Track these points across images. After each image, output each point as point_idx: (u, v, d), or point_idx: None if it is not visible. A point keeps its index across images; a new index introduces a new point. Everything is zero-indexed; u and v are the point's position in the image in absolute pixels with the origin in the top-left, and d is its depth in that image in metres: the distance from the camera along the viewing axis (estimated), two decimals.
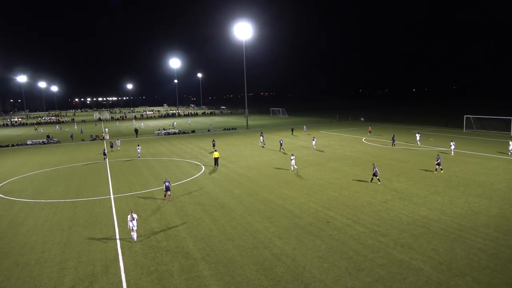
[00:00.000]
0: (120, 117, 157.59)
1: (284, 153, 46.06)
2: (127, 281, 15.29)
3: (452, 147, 41.74)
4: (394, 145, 48.81)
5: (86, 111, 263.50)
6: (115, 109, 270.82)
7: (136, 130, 78.29)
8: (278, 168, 36.78)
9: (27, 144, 66.95)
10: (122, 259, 17.35)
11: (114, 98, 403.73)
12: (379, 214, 22.32)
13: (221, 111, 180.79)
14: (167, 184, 26.62)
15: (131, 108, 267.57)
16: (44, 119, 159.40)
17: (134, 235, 19.39)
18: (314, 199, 25.77)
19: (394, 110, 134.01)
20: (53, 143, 67.66)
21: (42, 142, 67.96)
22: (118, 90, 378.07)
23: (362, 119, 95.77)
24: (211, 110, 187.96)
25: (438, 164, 32.41)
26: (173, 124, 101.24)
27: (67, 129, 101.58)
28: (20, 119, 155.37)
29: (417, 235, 18.95)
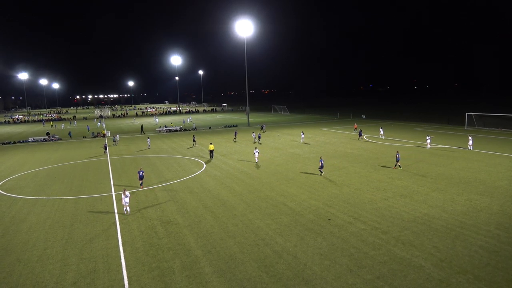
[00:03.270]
0: (122, 114, 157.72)
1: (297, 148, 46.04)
2: (128, 278, 15.35)
3: (428, 141, 44.74)
4: (361, 139, 53.58)
5: (88, 108, 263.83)
6: (117, 106, 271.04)
7: (141, 127, 79.99)
8: (279, 165, 36.79)
9: (29, 142, 67.10)
10: (124, 256, 17.41)
11: (115, 95, 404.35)
12: (380, 211, 22.32)
13: (222, 108, 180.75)
14: (141, 173, 29.86)
15: (132, 106, 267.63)
16: (45, 116, 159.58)
17: (128, 209, 23.43)
18: (315, 196, 25.79)
19: (396, 107, 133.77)
20: (55, 140, 67.80)
21: (44, 139, 68.10)
22: (119, 87, 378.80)
23: (363, 116, 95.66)
24: (212, 107, 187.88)
25: (397, 160, 33.46)
26: (189, 120, 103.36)
27: (87, 124, 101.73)
28: (21, 116, 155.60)
29: (418, 232, 18.95)
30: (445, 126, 69.32)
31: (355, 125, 66.75)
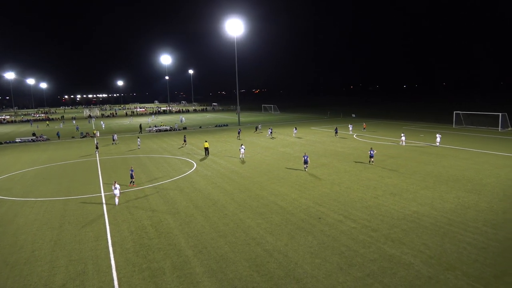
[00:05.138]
0: (111, 114, 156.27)
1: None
2: (118, 279, 15.22)
3: (403, 138, 46.77)
4: (337, 135, 57.10)
5: (76, 108, 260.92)
6: (106, 106, 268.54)
7: (140, 126, 79.84)
8: (270, 165, 36.83)
9: (16, 142, 66.07)
10: (114, 257, 17.25)
11: (104, 95, 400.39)
12: (370, 209, 22.48)
13: (213, 108, 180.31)
14: (131, 172, 30.53)
15: (122, 105, 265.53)
16: (33, 116, 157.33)
17: (117, 200, 25.06)
18: (306, 195, 25.87)
19: (385, 106, 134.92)
20: (43, 140, 66.88)
21: (31, 140, 67.13)
22: (108, 87, 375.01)
23: (353, 115, 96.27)
24: (202, 107, 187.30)
25: (371, 156, 35.18)
26: (183, 119, 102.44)
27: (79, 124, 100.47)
28: (8, 117, 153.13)
29: (407, 230, 19.13)
30: (433, 124, 70.09)
31: (364, 125, 67.07)
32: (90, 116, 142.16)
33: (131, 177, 30.34)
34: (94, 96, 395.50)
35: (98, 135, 70.72)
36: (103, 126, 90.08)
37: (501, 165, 33.06)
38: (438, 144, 44.55)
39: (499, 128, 58.53)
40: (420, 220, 20.45)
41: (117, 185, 25.19)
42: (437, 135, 45.60)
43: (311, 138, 56.03)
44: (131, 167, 31.69)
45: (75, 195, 28.22)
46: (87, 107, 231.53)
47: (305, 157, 33.53)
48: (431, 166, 33.53)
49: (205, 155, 43.34)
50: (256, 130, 68.46)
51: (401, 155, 39.59)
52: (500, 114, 59.47)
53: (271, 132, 60.21)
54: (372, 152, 35.46)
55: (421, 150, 42.00)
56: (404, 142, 46.58)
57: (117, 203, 25.11)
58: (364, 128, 64.38)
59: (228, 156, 42.64)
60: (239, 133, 61.62)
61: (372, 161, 35.38)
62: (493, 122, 61.23)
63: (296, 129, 62.35)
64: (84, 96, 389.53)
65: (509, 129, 58.63)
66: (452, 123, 66.55)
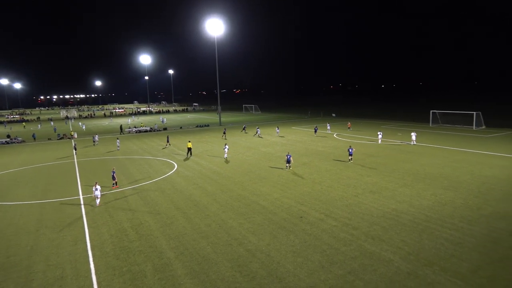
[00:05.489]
0: (89, 114, 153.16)
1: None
2: (98, 283, 14.93)
3: (380, 136, 48.83)
4: (316, 134, 58.90)
5: (53, 109, 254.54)
6: (84, 106, 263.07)
7: (120, 126, 78.85)
8: (252, 164, 36.85)
9: None
10: (93, 261, 16.92)
11: (82, 96, 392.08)
12: (350, 207, 22.79)
13: (193, 108, 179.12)
14: (113, 173, 30.34)
15: (100, 106, 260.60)
16: (7, 117, 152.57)
17: (98, 201, 25.07)
18: (287, 195, 26.00)
19: (364, 106, 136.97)
20: (18, 142, 64.95)
21: (6, 142, 65.07)
22: (86, 87, 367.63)
23: (333, 115, 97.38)
24: (183, 107, 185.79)
25: (350, 154, 36.06)
26: (163, 120, 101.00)
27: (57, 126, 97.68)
28: None
29: (387, 227, 19.49)
30: (410, 123, 71.59)
31: (349, 124, 67.92)
32: (67, 117, 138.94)
33: (113, 178, 30.04)
34: (71, 96, 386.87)
35: (76, 136, 69.20)
36: (84, 128, 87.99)
37: (476, 163, 34.08)
38: (413, 142, 45.65)
39: (474, 127, 60.28)
40: (399, 217, 20.86)
41: (98, 186, 25.19)
42: (412, 134, 46.84)
43: (292, 138, 56.37)
44: (113, 169, 31.35)
45: (52, 198, 27.52)
46: (64, 108, 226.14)
47: (288, 156, 33.96)
48: (409, 164, 34.25)
49: (189, 155, 43.17)
50: (243, 130, 68.26)
51: (379, 153, 40.28)
52: (475, 113, 61.25)
53: (258, 132, 60.99)
54: (351, 150, 36.20)
55: (399, 149, 42.84)
56: (380, 140, 47.96)
57: (97, 204, 25.07)
58: (349, 128, 65.13)
59: (210, 156, 42.43)
60: (224, 132, 61.55)
61: (351, 159, 36.06)
62: (468, 121, 63.02)
63: (278, 128, 64.04)
64: (61, 96, 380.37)
65: (483, 127, 60.45)
66: (429, 122, 68.18)
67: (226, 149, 41.53)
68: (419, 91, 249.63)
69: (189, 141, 45.64)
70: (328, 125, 65.25)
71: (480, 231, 18.49)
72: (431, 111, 70.13)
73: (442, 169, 31.93)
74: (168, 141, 53.41)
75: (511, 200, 23.16)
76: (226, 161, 39.42)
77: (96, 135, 61.12)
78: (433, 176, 29.68)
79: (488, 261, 15.44)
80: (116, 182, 30.19)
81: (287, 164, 33.90)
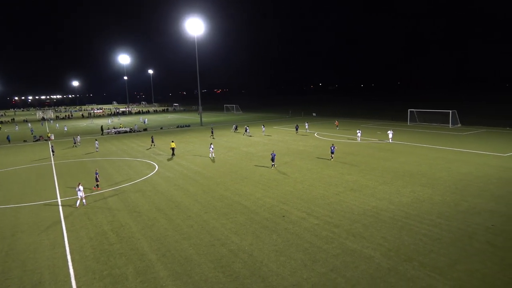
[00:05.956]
0: (66, 115, 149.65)
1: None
2: (77, 287, 14.61)
3: (359, 134, 49.98)
4: (297, 132, 60.62)
5: (28, 110, 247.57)
6: (61, 107, 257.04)
7: (101, 127, 77.85)
8: (234, 165, 36.78)
9: None
10: (72, 265, 16.54)
11: (58, 96, 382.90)
12: (332, 206, 23.03)
13: (174, 108, 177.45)
14: (96, 175, 29.95)
15: (78, 107, 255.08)
16: None
17: (78, 202, 25.13)
18: (269, 194, 26.07)
19: (345, 105, 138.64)
20: None
21: None
22: (63, 87, 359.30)
23: (314, 114, 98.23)
24: (164, 107, 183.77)
25: (332, 152, 37.02)
26: (144, 121, 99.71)
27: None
28: None
29: (367, 224, 19.78)
30: (389, 122, 72.90)
31: (337, 122, 68.71)
32: (43, 119, 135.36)
33: (96, 179, 29.62)
34: (48, 97, 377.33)
35: (53, 138, 67.50)
36: (65, 129, 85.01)
37: (452, 160, 34.99)
38: (390, 140, 46.95)
39: (450, 125, 61.90)
40: (379, 214, 21.21)
41: (80, 187, 25.20)
42: (389, 132, 48.33)
43: (273, 137, 56.55)
44: (96, 170, 31.17)
45: (28, 202, 26.76)
46: (40, 109, 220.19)
47: (273, 155, 34.57)
48: (388, 162, 34.87)
49: (172, 155, 43.35)
50: (235, 129, 68.14)
51: (359, 152, 40.86)
52: (450, 111, 62.91)
53: (247, 131, 61.82)
54: (333, 148, 36.93)
55: (379, 147, 43.57)
56: (359, 139, 49.08)
57: (78, 204, 25.08)
58: (337, 126, 65.58)
59: (192, 157, 42.13)
60: (212, 132, 62.18)
61: (332, 157, 36.83)
62: (444, 119, 64.66)
63: (264, 127, 65.67)
64: (37, 97, 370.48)
65: (459, 125, 62.14)
66: (407, 121, 69.61)
67: (211, 149, 41.63)
68: (396, 91, 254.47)
69: (172, 141, 45.95)
70: (306, 124, 65.85)
71: (457, 226, 18.99)
72: (409, 110, 71.63)
73: (420, 167, 32.64)
74: (152, 142, 52.98)
75: (487, 196, 23.89)
76: (213, 160, 39.68)
77: (78, 136, 60.03)
78: (412, 174, 30.31)
79: (465, 255, 15.88)
80: (98, 184, 29.67)
81: (273, 163, 34.30)
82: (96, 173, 30.05)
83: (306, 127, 64.53)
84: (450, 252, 16.19)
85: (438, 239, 17.55)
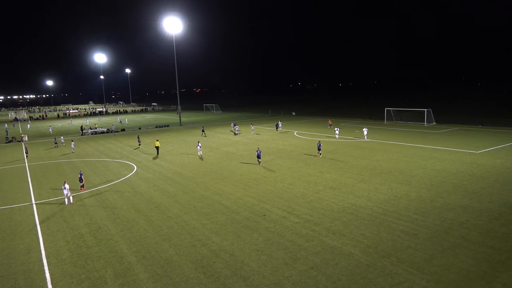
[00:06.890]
0: (40, 116, 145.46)
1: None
2: None
3: (337, 132, 51.30)
4: (278, 130, 62.07)
5: (0, 110, 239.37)
6: (35, 107, 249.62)
7: (81, 127, 76.80)
8: (214, 164, 36.62)
9: None
10: (48, 269, 16.11)
11: (32, 96, 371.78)
12: (312, 204, 23.25)
13: (152, 108, 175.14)
14: (80, 175, 29.25)
15: (52, 107, 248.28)
16: None
17: (66, 200, 25.25)
18: (250, 194, 26.09)
19: (324, 104, 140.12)
20: None
21: None
22: (37, 87, 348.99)
23: (293, 113, 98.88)
24: (142, 107, 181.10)
25: (319, 149, 38.09)
26: (121, 121, 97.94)
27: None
28: None
29: (347, 222, 20.07)
30: (367, 121, 74.12)
31: (330, 121, 68.66)
32: (16, 119, 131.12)
33: (80, 180, 28.83)
34: (20, 97, 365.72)
35: (26, 139, 65.51)
36: (50, 130, 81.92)
37: (427, 157, 35.89)
38: (366, 137, 48.46)
39: (425, 123, 63.49)
40: (358, 211, 21.55)
41: (66, 185, 25.20)
42: (364, 129, 49.82)
43: (254, 137, 56.60)
44: (80, 171, 30.74)
45: (1, 205, 25.87)
46: (12, 109, 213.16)
47: (258, 152, 35.48)
48: (366, 160, 35.47)
49: (157, 154, 43.65)
50: (234, 127, 67.61)
51: (338, 150, 41.39)
52: (426, 110, 64.53)
53: (237, 129, 62.14)
54: (319, 145, 38.16)
55: (356, 145, 44.25)
56: (338, 136, 50.44)
57: (66, 203, 25.33)
58: (330, 125, 65.58)
59: (171, 157, 41.70)
60: (203, 130, 62.65)
61: (320, 154, 37.90)
62: (420, 118, 66.27)
63: (252, 125, 65.91)
64: (9, 97, 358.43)
65: (434, 123, 63.80)
66: (384, 119, 70.98)
67: (199, 147, 41.77)
68: (372, 90, 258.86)
69: (157, 140, 46.26)
70: (279, 122, 66.28)
71: (433, 222, 19.50)
72: (385, 108, 73.04)
73: (397, 164, 33.35)
74: (139, 141, 52.21)
75: (461, 192, 24.63)
76: (201, 158, 40.32)
77: (62, 136, 58.84)
78: (389, 171, 30.93)
79: (441, 250, 16.33)
80: (83, 185, 29.02)
81: (259, 159, 35.21)
82: (80, 174, 29.20)
83: (279, 125, 64.26)
84: (427, 248, 16.61)
85: (415, 235, 17.98)
